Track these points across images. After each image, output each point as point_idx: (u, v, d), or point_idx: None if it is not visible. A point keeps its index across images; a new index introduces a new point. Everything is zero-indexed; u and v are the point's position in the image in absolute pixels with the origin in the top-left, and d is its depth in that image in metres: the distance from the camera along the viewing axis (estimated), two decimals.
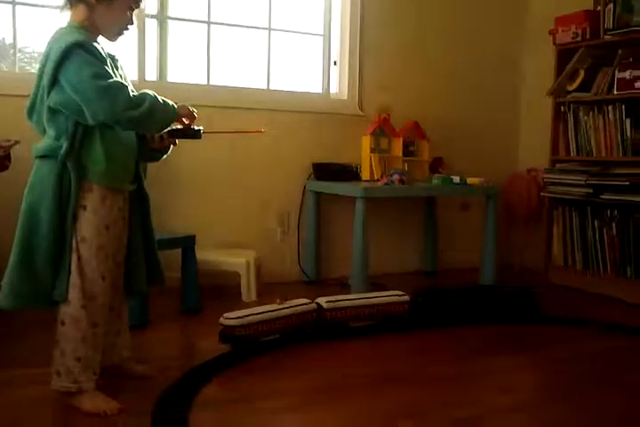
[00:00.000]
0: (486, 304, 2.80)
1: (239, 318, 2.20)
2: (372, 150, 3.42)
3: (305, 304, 2.42)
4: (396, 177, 3.20)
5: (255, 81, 3.46)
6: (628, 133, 3.21)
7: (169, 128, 1.77)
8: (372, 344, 2.42)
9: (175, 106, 1.72)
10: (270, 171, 3.39)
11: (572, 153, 3.53)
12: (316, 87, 3.64)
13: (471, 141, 3.94)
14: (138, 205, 1.89)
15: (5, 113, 2.48)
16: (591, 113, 3.40)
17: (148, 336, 2.38)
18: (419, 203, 3.78)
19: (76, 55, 1.60)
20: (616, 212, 3.28)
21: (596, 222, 3.38)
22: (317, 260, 3.47)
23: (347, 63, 3.62)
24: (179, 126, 1.79)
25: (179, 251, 2.72)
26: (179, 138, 1.83)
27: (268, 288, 3.16)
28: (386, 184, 3.16)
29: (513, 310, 2.79)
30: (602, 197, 3.26)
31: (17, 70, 2.95)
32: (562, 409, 1.83)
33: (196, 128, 1.79)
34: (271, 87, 3.49)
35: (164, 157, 1.91)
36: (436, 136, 3.69)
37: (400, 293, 2.65)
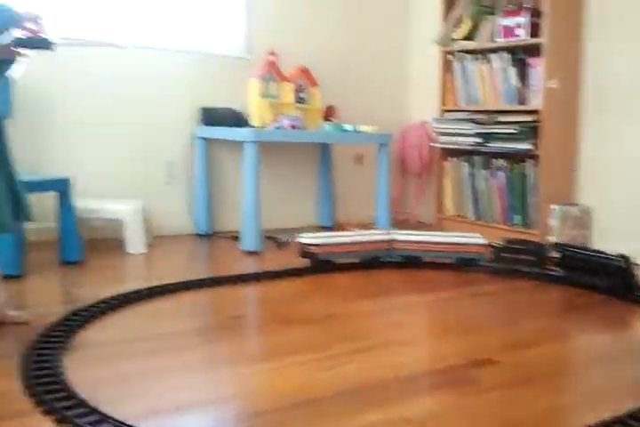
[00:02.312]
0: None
1: (314, 237, 2.62)
2: (262, 95, 3.28)
3: (380, 234, 2.74)
4: (286, 122, 3.10)
5: (142, 19, 3.21)
6: (513, 82, 3.27)
7: (14, 37, 1.57)
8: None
9: (12, 7, 1.53)
10: (156, 115, 3.18)
11: (461, 103, 3.57)
12: (203, 28, 3.44)
13: (364, 91, 3.90)
14: None
15: None
16: (477, 62, 3.45)
17: (25, 285, 2.19)
18: (312, 154, 3.71)
19: None
20: (503, 161, 3.37)
21: (484, 172, 3.46)
22: (210, 211, 3.32)
23: (237, 5, 3.44)
24: (29, 35, 1.61)
25: (55, 201, 2.49)
26: (25, 47, 1.63)
27: (158, 241, 3.00)
28: (276, 128, 3.05)
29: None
30: (489, 145, 3.32)
31: None
32: (450, 343, 1.83)
33: (44, 37, 1.61)
34: (158, 27, 3.26)
35: (12, 70, 1.69)
36: (328, 84, 3.61)
37: (478, 235, 2.76)
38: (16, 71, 1.69)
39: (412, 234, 2.74)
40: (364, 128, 3.34)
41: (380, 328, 1.89)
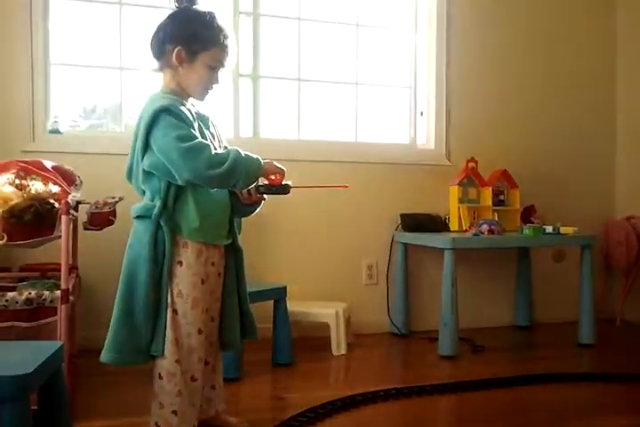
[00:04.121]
0: None
1: None
2: (461, 201, 3.40)
3: None
4: (485, 227, 3.15)
5: (344, 134, 3.56)
6: None
7: (257, 184, 1.81)
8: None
9: (260, 161, 1.76)
10: (358, 222, 3.44)
11: None
12: (403, 138, 3.69)
13: (565, 188, 3.85)
14: (232, 259, 1.95)
15: (113, 170, 2.64)
16: None
17: (241, 389, 2.43)
18: (510, 253, 3.70)
19: (163, 120, 1.70)
20: None
21: None
22: (407, 312, 3.43)
23: (433, 113, 3.65)
24: (266, 182, 1.82)
25: (270, 302, 2.77)
26: (265, 194, 1.86)
27: (358, 340, 3.18)
28: (474, 235, 3.12)
29: None
30: None
31: (124, 129, 3.17)
32: None
33: (282, 183, 1.81)
34: (359, 139, 3.58)
35: (256, 211, 1.95)
36: (527, 183, 3.63)
37: None
38: (256, 212, 1.96)
39: None
40: (565, 230, 3.27)
41: None
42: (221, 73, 1.84)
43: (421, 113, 3.71)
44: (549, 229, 3.28)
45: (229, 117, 3.31)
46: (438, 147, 3.66)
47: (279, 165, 1.81)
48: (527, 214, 3.59)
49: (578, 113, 3.92)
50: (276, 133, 3.43)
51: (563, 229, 3.27)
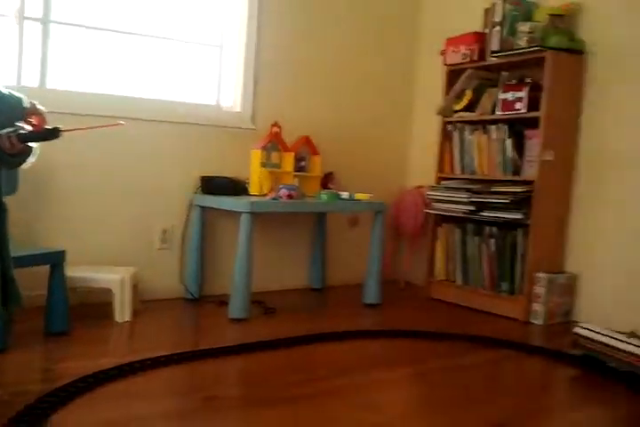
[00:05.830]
0: None
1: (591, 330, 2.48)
2: (263, 165, 3.39)
3: None
4: (283, 192, 3.18)
5: (144, 91, 3.37)
6: (509, 153, 3.34)
7: (18, 131, 1.62)
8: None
9: (22, 99, 1.59)
10: (156, 184, 3.30)
11: (457, 171, 3.64)
12: (208, 99, 3.59)
13: (363, 157, 4.01)
14: None
15: None
16: (476, 132, 3.53)
17: (7, 360, 2.24)
18: (308, 218, 3.79)
19: None
20: (495, 229, 3.41)
21: (476, 239, 3.50)
22: (201, 276, 3.39)
23: (241, 76, 3.58)
24: (29, 128, 1.63)
25: (46, 267, 2.57)
26: (32, 141, 1.67)
27: (148, 306, 3.09)
28: (273, 199, 3.14)
29: None
30: (482, 214, 3.37)
31: None
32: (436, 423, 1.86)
33: (49, 128, 1.64)
34: (161, 97, 3.41)
35: (27, 162, 1.76)
36: (328, 151, 3.72)
37: None
38: (28, 163, 1.76)
39: None
40: (359, 196, 3.41)
41: (356, 410, 1.92)
42: None
43: (230, 76, 3.62)
44: (345, 195, 3.40)
45: (13, 64, 2.99)
46: (245, 110, 3.60)
47: (37, 105, 1.63)
48: (326, 181, 3.69)
49: (377, 91, 4.08)
50: (66, 85, 3.15)
51: (357, 196, 3.40)
